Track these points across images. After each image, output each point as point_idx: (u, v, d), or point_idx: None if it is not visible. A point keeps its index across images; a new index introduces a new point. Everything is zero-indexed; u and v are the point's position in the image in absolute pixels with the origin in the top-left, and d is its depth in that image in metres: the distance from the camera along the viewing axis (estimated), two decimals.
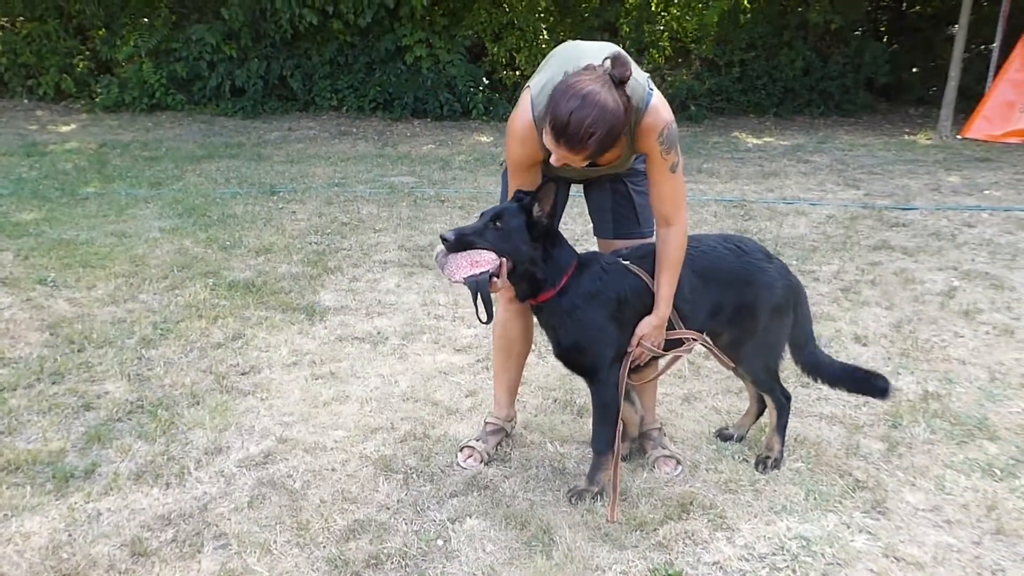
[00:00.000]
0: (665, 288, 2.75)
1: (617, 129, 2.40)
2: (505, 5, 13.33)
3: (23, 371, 3.72)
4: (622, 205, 3.00)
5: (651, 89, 2.59)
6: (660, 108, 2.59)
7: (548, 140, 2.45)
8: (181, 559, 2.54)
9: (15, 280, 4.86)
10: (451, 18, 13.02)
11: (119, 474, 2.94)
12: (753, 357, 3.01)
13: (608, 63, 2.41)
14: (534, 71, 2.74)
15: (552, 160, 2.53)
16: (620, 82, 2.39)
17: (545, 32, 13.61)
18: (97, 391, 3.58)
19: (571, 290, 2.76)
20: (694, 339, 2.90)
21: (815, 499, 2.89)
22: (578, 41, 2.75)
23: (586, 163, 2.50)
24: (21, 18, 12.96)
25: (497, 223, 2.64)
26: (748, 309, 2.94)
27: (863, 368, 3.26)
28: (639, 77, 2.54)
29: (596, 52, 2.53)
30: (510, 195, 2.81)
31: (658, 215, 2.76)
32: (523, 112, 2.62)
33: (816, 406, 3.60)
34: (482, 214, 2.69)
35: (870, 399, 3.60)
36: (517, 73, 13.30)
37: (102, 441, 3.17)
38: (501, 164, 3.08)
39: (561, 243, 2.79)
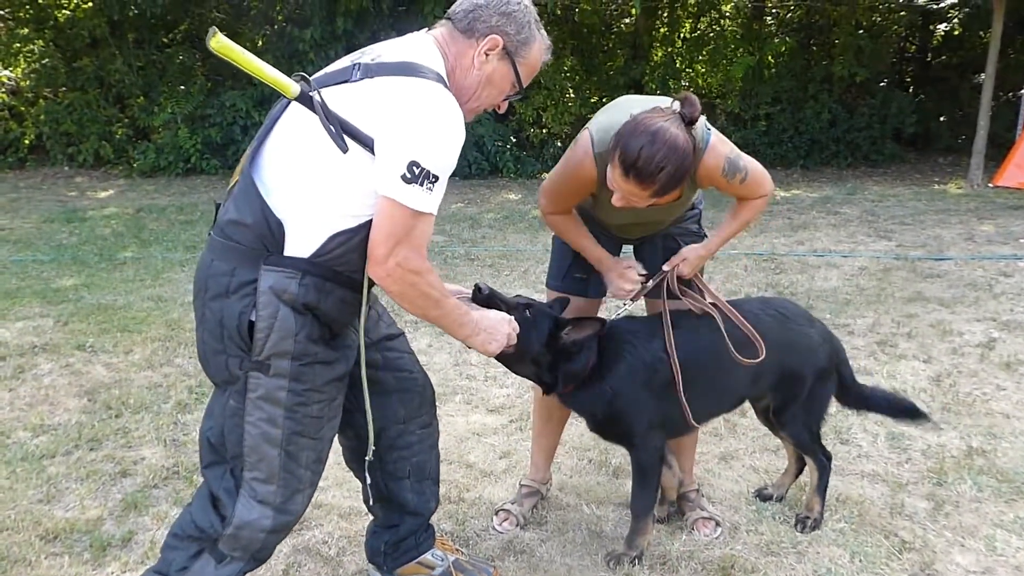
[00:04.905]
0: (725, 230, 2.80)
1: (687, 166, 2.41)
2: None
3: (62, 438, 3.76)
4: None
5: (709, 129, 2.59)
6: (718, 145, 2.58)
7: (616, 176, 2.43)
8: None
9: (55, 346, 4.95)
10: None
11: (155, 542, 2.92)
12: (797, 421, 2.97)
13: (677, 104, 2.43)
14: (561, 128, 2.76)
15: (615, 200, 2.52)
16: (690, 121, 2.41)
17: (571, 91, 13.77)
18: (134, 457, 3.60)
19: (594, 380, 2.71)
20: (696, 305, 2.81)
21: (860, 561, 2.82)
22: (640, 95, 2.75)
23: (651, 201, 2.48)
24: (63, 88, 13.41)
25: (528, 312, 2.60)
26: (793, 375, 2.91)
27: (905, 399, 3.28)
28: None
29: (660, 100, 2.54)
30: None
31: None
32: (583, 143, 2.61)
33: (857, 463, 3.53)
34: (518, 296, 2.70)
35: (912, 457, 3.55)
36: (544, 131, 13.42)
37: (139, 508, 3.18)
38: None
39: (574, 357, 2.68)
